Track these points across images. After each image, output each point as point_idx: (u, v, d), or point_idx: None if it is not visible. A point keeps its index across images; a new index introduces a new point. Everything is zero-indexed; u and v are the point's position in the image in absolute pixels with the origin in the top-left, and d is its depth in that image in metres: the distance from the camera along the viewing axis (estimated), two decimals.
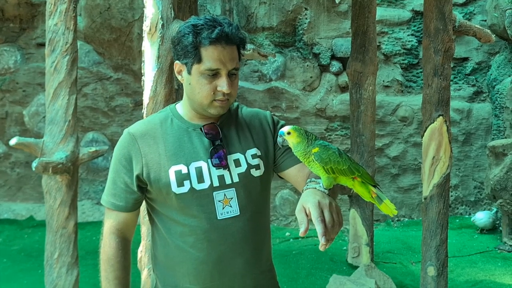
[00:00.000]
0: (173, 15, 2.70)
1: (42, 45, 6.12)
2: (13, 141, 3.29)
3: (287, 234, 6.13)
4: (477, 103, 6.68)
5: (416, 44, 6.52)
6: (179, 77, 1.55)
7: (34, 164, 3.24)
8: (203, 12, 6.35)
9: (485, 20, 6.35)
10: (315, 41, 6.46)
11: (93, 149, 3.58)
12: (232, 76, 1.49)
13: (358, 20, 4.73)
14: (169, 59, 2.66)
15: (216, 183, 1.50)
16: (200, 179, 1.50)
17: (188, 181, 1.49)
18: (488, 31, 4.33)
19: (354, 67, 4.77)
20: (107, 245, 1.56)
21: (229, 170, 1.52)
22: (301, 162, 1.47)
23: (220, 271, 1.51)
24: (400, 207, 6.59)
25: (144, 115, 2.70)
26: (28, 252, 5.41)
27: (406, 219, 6.64)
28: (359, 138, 4.79)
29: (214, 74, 1.47)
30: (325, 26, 6.47)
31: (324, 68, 6.54)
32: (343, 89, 6.46)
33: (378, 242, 5.55)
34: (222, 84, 1.47)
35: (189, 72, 1.49)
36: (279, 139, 1.45)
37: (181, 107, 1.60)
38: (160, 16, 2.65)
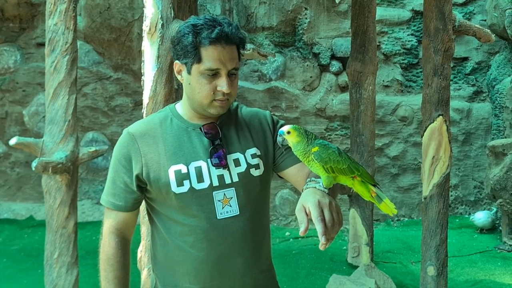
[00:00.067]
0: (173, 15, 2.70)
1: (42, 45, 6.11)
2: (13, 141, 3.29)
3: (287, 233, 6.13)
4: (477, 102, 6.68)
5: (416, 43, 6.52)
6: (178, 77, 1.55)
7: (34, 164, 3.24)
8: (203, 12, 6.34)
9: (485, 20, 6.35)
10: (315, 41, 6.46)
11: (93, 149, 3.58)
12: (232, 76, 1.49)
13: (358, 20, 4.73)
14: (168, 59, 2.66)
15: (215, 183, 1.50)
16: (200, 179, 1.50)
17: (188, 180, 1.49)
18: (488, 30, 4.32)
19: (354, 67, 4.77)
20: (107, 245, 1.56)
21: (228, 169, 1.52)
22: (301, 161, 1.47)
23: (219, 270, 1.51)
24: (400, 206, 6.59)
25: (144, 115, 2.70)
26: (28, 252, 5.41)
27: (406, 219, 6.65)
28: (359, 138, 4.79)
29: (214, 74, 1.47)
30: (325, 26, 6.47)
31: (324, 68, 6.54)
32: (343, 89, 6.46)
33: (378, 241, 5.55)
34: (222, 84, 1.47)
35: (189, 72, 1.49)
36: (279, 139, 1.45)
37: (181, 107, 1.60)
38: (160, 16, 2.65)
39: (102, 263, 1.57)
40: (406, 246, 5.57)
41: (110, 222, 1.57)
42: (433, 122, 3.70)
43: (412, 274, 4.74)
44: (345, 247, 5.39)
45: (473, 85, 6.69)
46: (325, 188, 1.38)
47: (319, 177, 1.42)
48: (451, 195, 6.58)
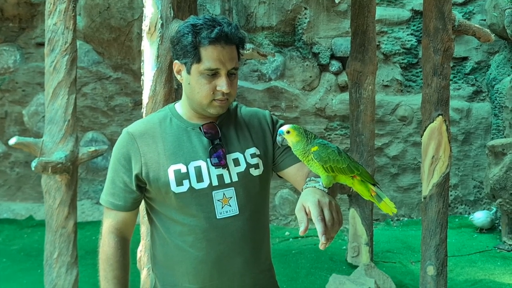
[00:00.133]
0: (172, 14, 2.70)
1: (42, 44, 6.11)
2: (12, 141, 3.28)
3: (287, 233, 6.13)
4: (477, 102, 6.68)
5: (416, 43, 6.53)
6: (178, 77, 1.55)
7: (33, 164, 3.24)
8: (203, 11, 6.34)
9: (485, 20, 6.35)
10: (314, 40, 6.46)
11: (93, 148, 3.58)
12: (231, 75, 1.49)
13: (358, 20, 4.73)
14: (168, 58, 2.66)
15: (215, 183, 1.50)
16: (199, 179, 1.50)
17: (187, 180, 1.49)
18: (488, 30, 4.32)
19: (354, 66, 4.77)
20: (106, 245, 1.56)
21: (228, 169, 1.52)
22: (300, 161, 1.47)
23: (219, 270, 1.51)
24: (400, 206, 6.59)
25: (144, 114, 2.70)
26: (28, 252, 5.41)
27: (406, 219, 6.65)
28: (358, 137, 4.79)
29: (213, 74, 1.47)
30: (325, 26, 6.47)
31: (323, 68, 6.54)
32: (342, 88, 6.46)
33: (378, 241, 5.55)
34: (222, 84, 1.47)
35: (189, 72, 1.49)
36: (278, 138, 1.45)
37: (180, 107, 1.60)
38: (159, 16, 2.65)
39: (101, 262, 1.57)
40: (406, 246, 5.57)
41: (109, 221, 1.57)
42: (432, 121, 3.70)
43: (412, 274, 4.74)
44: (344, 247, 5.39)
45: (473, 85, 6.69)
46: (325, 188, 1.38)
47: (319, 177, 1.42)
48: (451, 195, 6.59)
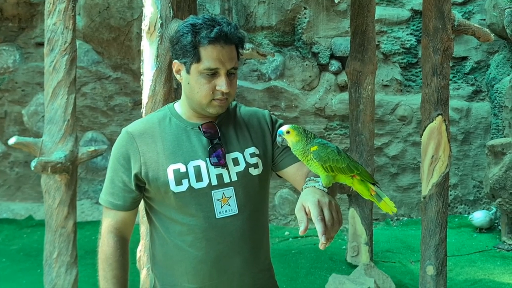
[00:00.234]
0: (172, 14, 2.69)
1: (41, 44, 6.10)
2: (12, 141, 3.28)
3: (286, 233, 6.13)
4: (476, 102, 6.68)
5: (415, 43, 6.53)
6: (177, 77, 1.55)
7: (33, 164, 3.24)
8: (202, 11, 6.34)
9: (484, 19, 6.35)
10: (314, 40, 6.46)
11: (92, 148, 3.58)
12: (231, 75, 1.49)
13: (357, 19, 4.73)
14: (168, 58, 2.66)
15: (214, 182, 1.50)
16: (199, 178, 1.49)
17: (187, 179, 1.49)
18: (487, 30, 4.32)
19: (353, 66, 4.77)
20: (105, 244, 1.56)
21: (227, 169, 1.52)
22: (300, 160, 1.47)
23: (218, 270, 1.51)
24: (399, 206, 6.60)
25: (143, 114, 2.70)
26: (27, 252, 5.41)
27: (405, 218, 6.65)
28: (358, 137, 4.79)
29: (213, 74, 1.47)
30: (324, 25, 6.47)
31: (323, 67, 6.54)
32: (342, 88, 6.46)
33: (377, 241, 5.55)
34: (221, 84, 1.47)
35: (188, 72, 1.49)
36: (278, 139, 1.45)
37: (180, 106, 1.60)
38: (159, 15, 2.64)
39: (100, 262, 1.57)
40: (406, 246, 5.57)
41: (108, 221, 1.57)
42: (432, 121, 3.70)
43: (412, 274, 4.75)
44: (344, 247, 5.39)
45: (472, 85, 6.70)
46: (325, 187, 1.38)
47: (319, 176, 1.42)
48: (450, 195, 6.59)
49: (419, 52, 6.39)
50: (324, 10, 6.46)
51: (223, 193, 1.51)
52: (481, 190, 6.61)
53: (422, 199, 3.80)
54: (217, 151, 1.51)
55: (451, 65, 4.92)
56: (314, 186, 1.39)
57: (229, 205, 1.51)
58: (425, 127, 3.74)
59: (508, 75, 6.11)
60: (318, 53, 6.46)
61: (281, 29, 6.48)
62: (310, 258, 5.18)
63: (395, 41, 6.54)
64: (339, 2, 6.23)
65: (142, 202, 1.61)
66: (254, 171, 1.55)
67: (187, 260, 1.51)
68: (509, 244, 5.44)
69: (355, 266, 4.67)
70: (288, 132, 1.43)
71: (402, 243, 5.67)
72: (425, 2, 3.71)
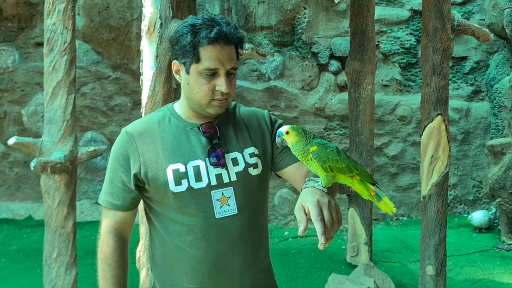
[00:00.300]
0: (171, 14, 2.69)
1: (41, 44, 6.11)
2: (11, 141, 3.28)
3: (286, 233, 6.13)
4: (476, 102, 6.68)
5: (415, 43, 6.53)
6: (177, 77, 1.55)
7: (32, 164, 3.24)
8: (202, 11, 6.34)
9: (484, 19, 6.35)
10: (314, 40, 6.46)
11: (92, 148, 3.58)
12: (230, 75, 1.49)
13: (357, 19, 4.73)
14: (167, 58, 2.66)
15: (214, 182, 1.50)
16: (198, 178, 1.49)
17: (186, 179, 1.49)
18: (487, 30, 4.32)
19: (353, 66, 4.77)
20: (105, 244, 1.56)
21: (227, 169, 1.52)
22: (299, 160, 1.47)
23: (218, 270, 1.50)
24: (399, 206, 6.60)
25: (143, 114, 2.70)
26: (27, 252, 5.41)
27: (405, 218, 6.65)
28: (358, 137, 4.79)
29: (212, 74, 1.46)
30: (324, 25, 6.47)
31: (323, 67, 6.54)
32: (342, 88, 6.46)
33: (377, 241, 5.55)
34: (221, 84, 1.47)
35: (188, 72, 1.49)
36: (277, 139, 1.45)
37: (179, 106, 1.60)
38: (158, 15, 2.64)
39: (100, 262, 1.57)
40: (405, 246, 5.57)
41: (108, 221, 1.57)
42: (432, 121, 3.70)
43: (411, 274, 4.75)
44: (344, 247, 5.39)
45: (472, 85, 6.70)
46: (324, 187, 1.38)
47: (318, 176, 1.42)
48: (450, 195, 6.59)
49: (419, 52, 6.40)
50: (324, 10, 6.46)
51: (223, 193, 1.51)
52: (480, 190, 6.61)
53: (421, 199, 3.80)
54: (216, 151, 1.51)
55: (450, 65, 4.92)
56: (314, 186, 1.38)
57: (229, 205, 1.51)
58: (425, 127, 3.74)
59: (507, 75, 6.12)
60: (318, 53, 6.46)
61: (281, 29, 6.48)
62: (309, 258, 5.18)
63: (395, 41, 6.54)
64: (339, 2, 6.23)
65: (141, 202, 1.61)
66: (253, 171, 1.55)
67: (186, 260, 1.51)
68: (509, 244, 5.45)
69: (355, 266, 4.67)
70: (287, 132, 1.42)
71: (401, 243, 5.67)
72: (425, 2, 3.72)
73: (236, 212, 1.51)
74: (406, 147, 6.62)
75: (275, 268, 1.69)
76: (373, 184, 1.44)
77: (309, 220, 1.27)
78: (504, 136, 5.94)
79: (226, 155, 1.53)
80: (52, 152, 3.31)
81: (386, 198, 1.42)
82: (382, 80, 6.54)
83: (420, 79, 6.09)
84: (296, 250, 5.44)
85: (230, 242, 1.50)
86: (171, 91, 2.74)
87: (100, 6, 6.27)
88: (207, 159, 1.51)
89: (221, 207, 1.50)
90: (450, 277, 4.48)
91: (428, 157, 3.72)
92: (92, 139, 6.68)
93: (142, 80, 2.72)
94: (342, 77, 6.33)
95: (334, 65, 6.47)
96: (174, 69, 1.54)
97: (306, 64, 6.49)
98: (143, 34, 2.69)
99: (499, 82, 6.19)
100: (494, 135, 6.37)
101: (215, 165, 1.50)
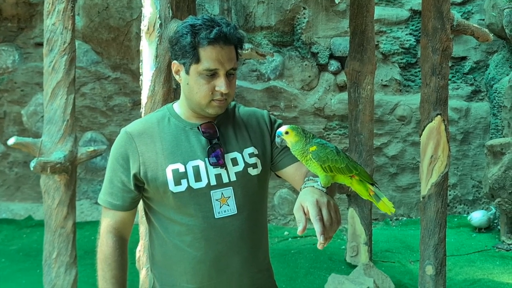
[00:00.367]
0: (171, 14, 2.69)
1: (40, 44, 6.10)
2: (11, 141, 3.28)
3: (286, 233, 6.13)
4: (475, 102, 6.69)
5: (414, 43, 6.53)
6: (176, 77, 1.55)
7: (32, 164, 3.24)
8: (201, 11, 6.34)
9: (483, 19, 6.36)
10: (313, 40, 6.46)
11: (92, 148, 3.58)
12: (230, 76, 1.49)
13: (356, 19, 4.73)
14: (167, 58, 2.66)
15: (213, 182, 1.50)
16: (198, 178, 1.50)
17: (186, 179, 1.49)
18: (486, 30, 4.32)
19: (353, 66, 4.77)
20: (104, 244, 1.56)
21: (226, 169, 1.52)
22: (299, 160, 1.47)
23: (217, 270, 1.51)
24: (399, 206, 6.60)
25: (142, 114, 2.70)
26: (27, 252, 5.41)
27: (405, 218, 6.65)
28: (357, 137, 4.79)
29: (212, 74, 1.47)
30: (324, 25, 6.47)
31: (322, 67, 6.54)
32: (341, 88, 6.46)
33: (377, 241, 5.56)
34: (220, 84, 1.47)
35: (187, 72, 1.49)
36: (277, 140, 1.45)
37: (178, 107, 1.60)
38: (158, 16, 2.64)
39: (99, 262, 1.57)
40: (405, 246, 5.57)
41: (107, 221, 1.57)
42: (431, 121, 3.70)
43: (411, 274, 4.75)
44: (343, 247, 5.40)
45: (472, 85, 6.70)
46: (323, 187, 1.38)
47: (317, 176, 1.42)
48: (450, 195, 6.59)
49: (418, 52, 6.40)
50: (323, 10, 6.46)
51: (222, 193, 1.51)
52: (480, 190, 6.61)
53: (421, 199, 3.80)
54: (216, 151, 1.51)
55: (450, 65, 4.92)
56: (313, 186, 1.39)
57: (228, 205, 1.51)
58: (424, 127, 3.75)
59: (507, 75, 6.12)
60: (317, 53, 6.46)
61: (280, 29, 6.48)
62: (309, 258, 5.18)
63: (394, 41, 6.54)
64: (339, 2, 6.23)
65: (141, 202, 1.61)
66: (253, 171, 1.55)
67: (186, 260, 1.51)
68: (508, 244, 5.45)
69: (354, 266, 4.68)
70: (287, 132, 1.43)
71: (401, 243, 5.67)
72: (424, 2, 3.72)
73: (236, 212, 1.51)
74: (406, 147, 6.62)
75: (274, 268, 1.70)
76: (372, 184, 1.44)
77: (308, 219, 1.27)
78: (504, 136, 5.95)
79: (225, 155, 1.53)
80: (51, 152, 3.31)
81: (385, 198, 1.42)
82: (381, 80, 6.55)
83: (420, 79, 6.10)
84: (296, 250, 5.44)
85: (229, 242, 1.50)
86: (171, 91, 2.74)
87: (100, 6, 6.27)
88: (206, 159, 1.51)
89: (220, 207, 1.50)
90: (450, 277, 4.48)
91: (427, 157, 3.72)
92: (92, 139, 6.68)
93: (141, 80, 2.72)
94: (342, 77, 6.34)
95: (334, 65, 6.47)
96: (173, 69, 1.54)
97: (306, 64, 6.49)
98: (143, 34, 2.69)
99: (498, 82, 6.19)
100: (493, 135, 6.38)
101: (215, 165, 1.50)
